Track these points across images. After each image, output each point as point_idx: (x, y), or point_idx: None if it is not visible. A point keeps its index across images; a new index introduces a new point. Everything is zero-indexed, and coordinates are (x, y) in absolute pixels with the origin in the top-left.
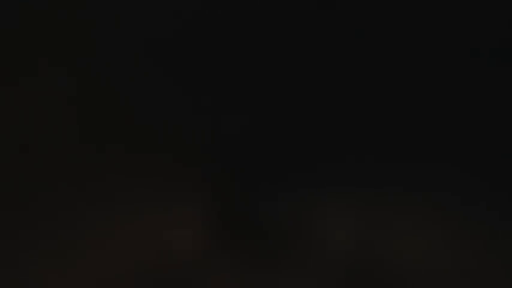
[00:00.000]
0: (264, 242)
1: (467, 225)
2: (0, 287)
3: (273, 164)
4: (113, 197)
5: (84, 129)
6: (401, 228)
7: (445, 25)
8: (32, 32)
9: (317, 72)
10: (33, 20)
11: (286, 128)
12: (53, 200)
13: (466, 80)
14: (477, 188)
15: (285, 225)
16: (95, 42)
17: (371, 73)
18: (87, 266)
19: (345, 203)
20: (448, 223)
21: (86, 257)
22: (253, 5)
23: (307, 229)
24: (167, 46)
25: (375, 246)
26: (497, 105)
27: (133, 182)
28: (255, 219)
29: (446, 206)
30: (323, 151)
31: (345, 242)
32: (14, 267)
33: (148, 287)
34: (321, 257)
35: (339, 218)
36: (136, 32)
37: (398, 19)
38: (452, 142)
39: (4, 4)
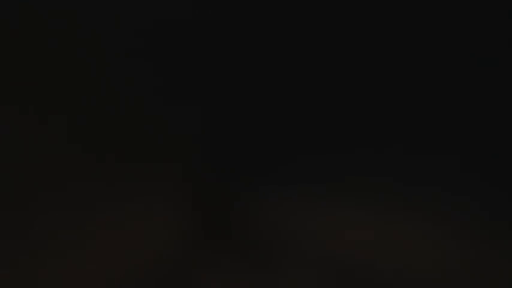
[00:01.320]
0: (249, 241)
1: (456, 223)
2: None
3: (257, 161)
4: (96, 197)
5: (70, 128)
6: (393, 226)
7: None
8: (26, 30)
9: (300, 69)
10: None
11: (270, 126)
12: (38, 202)
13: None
14: (468, 183)
15: (271, 223)
16: (85, 38)
17: (353, 69)
18: (71, 267)
19: (333, 200)
20: (437, 221)
21: (68, 259)
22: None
23: (293, 228)
24: (152, 41)
25: (365, 244)
26: (493, 101)
27: (114, 182)
28: (239, 218)
29: (437, 203)
30: (310, 148)
31: (332, 240)
32: (14, 268)
33: (132, 286)
34: (308, 255)
35: (326, 215)
36: (121, 26)
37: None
38: (444, 135)
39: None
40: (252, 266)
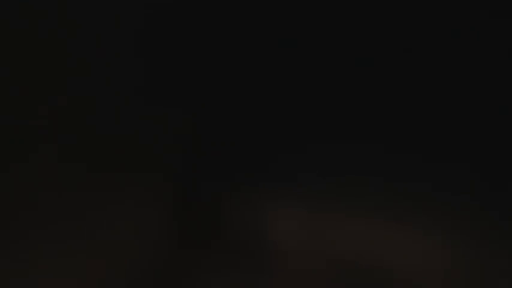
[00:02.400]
0: (235, 242)
1: (456, 222)
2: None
3: (236, 163)
4: (81, 201)
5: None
6: (388, 226)
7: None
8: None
9: (282, 66)
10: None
11: (255, 126)
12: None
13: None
14: (468, 182)
15: (250, 224)
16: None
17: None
18: (51, 269)
19: (311, 201)
20: (425, 220)
21: (51, 261)
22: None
23: (270, 229)
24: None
25: (358, 244)
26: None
27: (99, 187)
28: (225, 219)
29: (433, 202)
30: (298, 147)
31: (313, 241)
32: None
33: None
34: (285, 257)
35: (306, 217)
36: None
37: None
38: (430, 131)
39: None
40: (237, 267)
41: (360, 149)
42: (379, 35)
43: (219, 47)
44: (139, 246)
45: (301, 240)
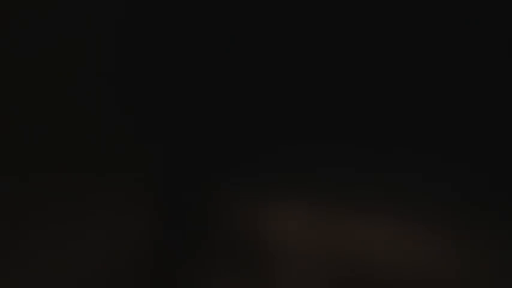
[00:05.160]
0: (222, 243)
1: (434, 223)
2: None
3: (216, 162)
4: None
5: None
6: (372, 225)
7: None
8: None
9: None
10: None
11: (246, 122)
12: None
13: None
14: (466, 181)
15: (228, 224)
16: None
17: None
18: (40, 268)
19: (296, 200)
20: (418, 219)
21: (35, 260)
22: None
23: (267, 230)
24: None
25: (347, 244)
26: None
27: (80, 187)
28: (206, 219)
29: (426, 202)
30: (288, 148)
31: (312, 241)
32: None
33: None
34: (284, 257)
35: (305, 217)
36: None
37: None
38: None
39: None
40: (233, 269)
41: (360, 149)
42: (369, 37)
43: (207, 44)
44: (123, 249)
45: (301, 240)
